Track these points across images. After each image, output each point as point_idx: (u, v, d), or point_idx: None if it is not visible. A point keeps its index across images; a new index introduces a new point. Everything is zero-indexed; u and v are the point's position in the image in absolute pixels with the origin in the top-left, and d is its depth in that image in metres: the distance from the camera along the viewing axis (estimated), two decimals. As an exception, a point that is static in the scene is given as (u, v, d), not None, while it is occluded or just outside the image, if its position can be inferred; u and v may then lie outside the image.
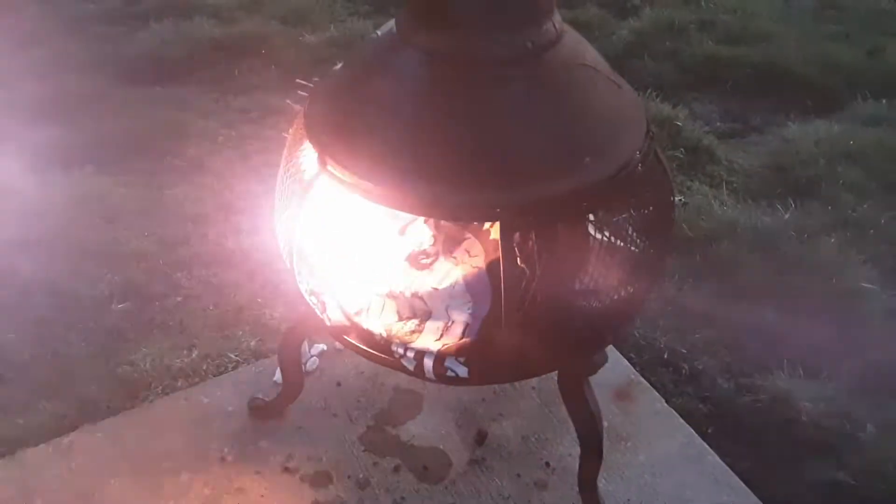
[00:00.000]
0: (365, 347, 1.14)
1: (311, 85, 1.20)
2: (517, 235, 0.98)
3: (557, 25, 1.03)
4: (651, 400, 1.51)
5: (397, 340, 1.11)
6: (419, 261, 1.13)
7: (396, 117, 1.01)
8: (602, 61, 1.09)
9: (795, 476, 1.38)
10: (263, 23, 3.01)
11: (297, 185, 1.12)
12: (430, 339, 1.09)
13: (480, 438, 1.45)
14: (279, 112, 2.44)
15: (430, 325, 1.11)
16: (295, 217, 1.12)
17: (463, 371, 1.07)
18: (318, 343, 1.65)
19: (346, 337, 1.16)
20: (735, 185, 2.20)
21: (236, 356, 1.68)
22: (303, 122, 1.11)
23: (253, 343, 1.71)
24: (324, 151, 1.04)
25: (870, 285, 1.81)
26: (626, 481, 1.37)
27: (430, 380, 1.10)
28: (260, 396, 1.51)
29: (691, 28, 2.93)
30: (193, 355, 1.68)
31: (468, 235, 1.11)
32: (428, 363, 1.07)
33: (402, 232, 1.16)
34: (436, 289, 1.12)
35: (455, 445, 1.44)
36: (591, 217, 1.06)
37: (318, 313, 1.17)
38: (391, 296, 1.14)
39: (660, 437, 1.44)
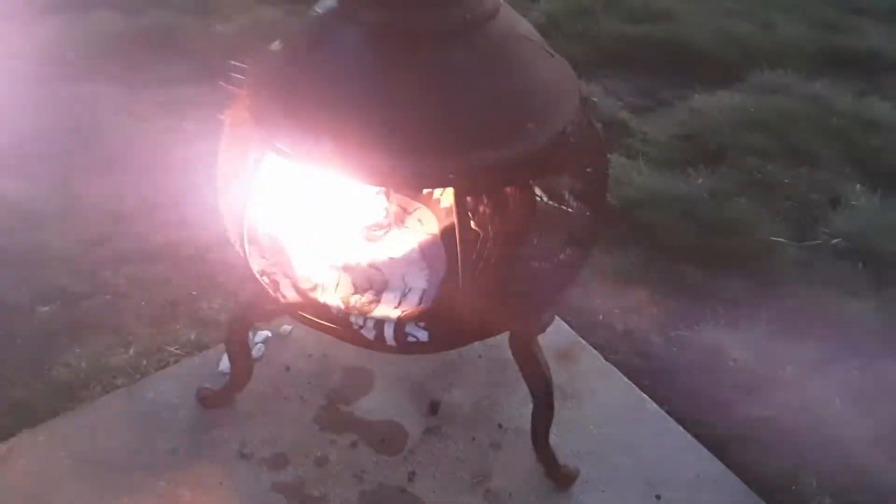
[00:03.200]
0: (323, 322, 1.15)
1: (246, 66, 1.20)
2: (469, 200, 1.02)
3: (495, 2, 1.06)
4: (591, 358, 1.59)
5: (356, 312, 1.13)
6: (373, 232, 1.15)
7: (343, 92, 1.03)
8: (536, 33, 1.14)
9: (728, 416, 1.48)
10: (171, 14, 2.92)
11: (242, 166, 1.11)
12: (389, 307, 1.12)
13: (433, 408, 1.48)
14: (194, 104, 2.38)
15: (387, 294, 1.13)
16: (243, 197, 1.11)
17: (424, 335, 1.10)
18: (262, 331, 1.64)
19: (302, 314, 1.17)
20: (650, 155, 2.31)
21: (177, 349, 1.64)
22: (245, 102, 1.11)
23: (192, 336, 1.68)
24: (270, 129, 1.05)
25: (780, 239, 1.94)
26: (574, 434, 1.43)
27: (390, 348, 1.12)
28: (207, 386, 1.50)
29: (598, 10, 3.04)
30: (131, 352, 1.64)
31: (419, 205, 1.13)
32: (388, 331, 1.09)
33: (355, 204, 1.17)
34: (391, 258, 1.14)
35: (409, 417, 1.47)
36: (535, 180, 1.10)
37: (271, 293, 1.17)
38: (347, 268, 1.15)
39: (602, 392, 1.52)
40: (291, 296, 1.17)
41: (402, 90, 1.01)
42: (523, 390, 1.32)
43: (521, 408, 1.44)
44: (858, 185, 2.13)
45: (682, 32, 2.88)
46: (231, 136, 1.17)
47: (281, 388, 1.53)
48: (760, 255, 1.92)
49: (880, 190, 2.11)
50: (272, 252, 1.20)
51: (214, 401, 1.48)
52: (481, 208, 1.07)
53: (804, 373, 1.58)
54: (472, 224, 1.03)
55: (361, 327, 1.13)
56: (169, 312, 1.74)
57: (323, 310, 1.17)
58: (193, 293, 1.79)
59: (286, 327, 1.64)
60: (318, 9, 1.10)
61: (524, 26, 1.13)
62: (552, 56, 1.14)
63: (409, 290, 1.14)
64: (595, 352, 1.60)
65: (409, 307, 1.13)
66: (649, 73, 2.74)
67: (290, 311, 1.19)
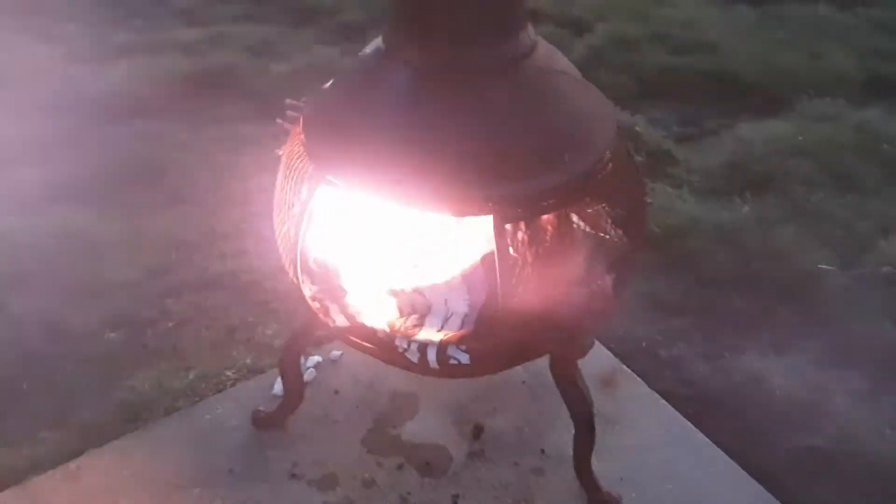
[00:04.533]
0: (369, 345, 1.21)
1: (301, 104, 1.28)
2: (509, 227, 1.07)
3: (532, 37, 1.12)
4: (634, 385, 1.60)
5: (400, 335, 1.18)
6: (418, 258, 1.20)
7: (389, 127, 1.10)
8: (573, 67, 1.19)
9: (773, 446, 1.47)
10: (232, 55, 3.08)
11: (297, 198, 1.19)
12: (432, 331, 1.17)
13: (477, 432, 1.52)
14: (252, 140, 2.50)
15: (430, 318, 1.18)
16: (296, 227, 1.19)
17: (465, 358, 1.14)
18: (314, 356, 1.71)
19: (350, 337, 1.23)
20: (695, 184, 2.32)
21: (233, 374, 1.72)
22: (299, 137, 1.19)
23: (248, 360, 1.76)
24: (323, 162, 1.12)
25: (827, 266, 1.93)
26: (617, 461, 1.44)
27: (433, 371, 1.17)
28: (261, 409, 1.56)
29: (643, 41, 3.09)
30: (191, 376, 1.73)
31: (462, 231, 1.19)
32: (431, 354, 1.14)
33: (401, 231, 1.23)
34: (434, 283, 1.19)
35: (454, 440, 1.51)
36: (574, 208, 1.15)
37: (322, 318, 1.24)
38: (392, 293, 1.21)
39: (645, 419, 1.53)
40: (340, 321, 1.23)
41: (444, 125, 1.07)
42: (566, 417, 1.35)
43: (563, 434, 1.46)
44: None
45: (727, 62, 2.90)
46: (286, 170, 1.25)
47: (330, 412, 1.59)
48: (806, 283, 1.90)
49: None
50: (323, 279, 1.26)
51: (268, 423, 1.54)
52: (520, 235, 1.12)
53: (852, 402, 1.56)
54: (511, 250, 1.07)
55: (406, 350, 1.18)
56: (227, 338, 1.83)
57: (369, 334, 1.22)
58: (250, 320, 1.88)
59: (336, 352, 1.70)
60: (367, 49, 1.17)
61: (562, 61, 1.19)
62: (589, 90, 1.19)
63: (452, 314, 1.19)
64: (638, 379, 1.62)
65: (451, 331, 1.18)
66: (694, 103, 2.76)
67: (340, 335, 1.25)
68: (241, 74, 2.95)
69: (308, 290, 1.23)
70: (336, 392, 1.63)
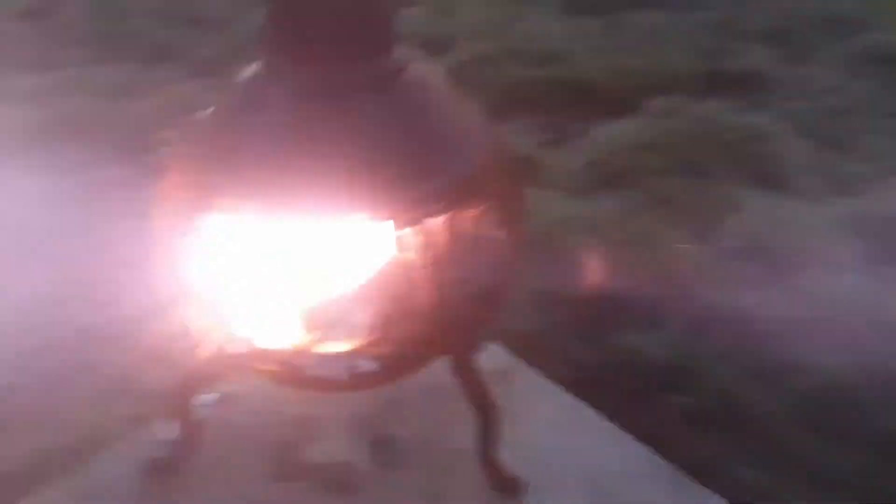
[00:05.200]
0: (272, 369, 1.22)
1: (174, 137, 1.27)
2: (405, 232, 1.11)
3: (405, 53, 1.18)
4: (528, 376, 1.68)
5: (305, 354, 1.20)
6: (315, 273, 1.23)
7: (274, 148, 1.11)
8: (446, 80, 1.26)
9: (657, 411, 1.59)
10: (83, 100, 2.96)
11: (178, 232, 1.18)
12: (338, 344, 1.20)
13: (382, 443, 1.54)
14: (117, 183, 2.42)
15: (335, 331, 1.21)
16: (181, 262, 1.18)
17: (374, 366, 1.18)
18: (207, 394, 1.66)
19: (250, 364, 1.23)
20: (559, 185, 2.46)
21: (119, 427, 1.63)
22: (178, 170, 1.18)
23: (135, 410, 1.68)
24: (208, 190, 1.13)
25: (685, 245, 2.10)
26: (518, 447, 1.49)
27: (341, 385, 1.19)
28: (154, 458, 1.49)
29: (501, 57, 3.24)
30: (72, 437, 1.63)
31: (355, 242, 1.22)
32: (339, 367, 1.17)
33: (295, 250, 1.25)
34: (334, 296, 1.22)
35: (360, 455, 1.52)
36: (463, 209, 1.21)
37: (215, 351, 1.23)
38: (293, 312, 1.22)
39: (540, 405, 1.61)
40: (243, 348, 1.23)
41: (329, 141, 1.10)
42: (466, 417, 1.39)
43: (465, 434, 1.50)
44: (750, 190, 2.33)
45: (578, 71, 3.10)
46: (164, 206, 1.23)
47: (230, 449, 1.55)
48: (668, 263, 2.06)
49: (770, 191, 2.31)
50: (214, 310, 1.25)
51: (164, 472, 1.48)
52: (415, 239, 1.17)
53: (721, 362, 1.71)
54: (407, 255, 1.12)
55: (312, 367, 1.20)
56: (108, 391, 1.75)
57: (269, 357, 1.23)
58: (132, 368, 1.80)
59: (229, 388, 1.67)
60: (244, 74, 1.19)
61: (437, 75, 1.25)
62: (463, 100, 1.27)
63: (356, 325, 1.22)
64: (531, 370, 1.69)
65: (357, 341, 1.21)
66: (553, 111, 2.92)
67: (237, 364, 1.24)
68: (98, 118, 2.84)
69: (199, 326, 1.22)
70: (235, 428, 1.60)
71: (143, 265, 1.31)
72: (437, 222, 1.20)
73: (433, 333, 1.23)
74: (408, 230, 1.15)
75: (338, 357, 1.21)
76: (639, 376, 1.67)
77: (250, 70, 1.18)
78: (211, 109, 1.22)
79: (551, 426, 1.56)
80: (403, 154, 1.13)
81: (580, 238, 2.18)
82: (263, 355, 1.24)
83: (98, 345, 1.86)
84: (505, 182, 1.29)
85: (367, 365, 1.21)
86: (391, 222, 1.10)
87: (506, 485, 1.42)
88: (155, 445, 1.53)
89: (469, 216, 1.27)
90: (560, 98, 2.99)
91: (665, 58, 3.21)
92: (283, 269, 1.25)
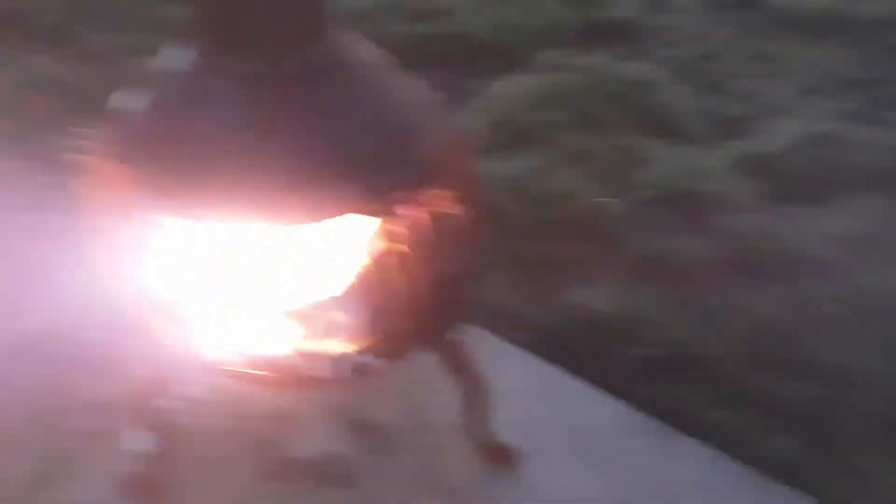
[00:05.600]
0: (262, 373, 1.16)
1: (95, 132, 1.14)
2: (381, 222, 1.09)
3: (348, 35, 1.13)
4: (494, 343, 1.71)
5: (297, 355, 1.15)
6: (294, 275, 1.17)
7: (225, 144, 1.04)
8: (389, 60, 1.21)
9: (615, 362, 1.68)
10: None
11: (120, 237, 1.09)
12: (329, 343, 1.15)
13: (370, 430, 1.52)
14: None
15: (324, 330, 1.16)
16: (134, 269, 1.09)
17: (369, 359, 1.15)
18: (177, 400, 1.55)
19: (239, 370, 1.16)
20: (473, 145, 2.47)
21: (82, 447, 1.50)
22: (111, 171, 1.07)
23: (94, 426, 1.54)
24: (157, 191, 1.04)
25: (605, 199, 2.20)
26: (498, 415, 1.53)
27: (339, 381, 1.16)
28: (128, 473, 1.39)
29: (378, 12, 3.16)
30: (27, 466, 1.47)
31: (333, 240, 1.17)
32: (334, 364, 1.13)
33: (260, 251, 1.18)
34: (318, 296, 1.17)
35: (349, 444, 1.50)
36: (430, 193, 1.19)
37: (182, 359, 1.16)
38: (278, 315, 1.17)
39: (509, 369, 1.64)
40: (223, 356, 1.16)
41: (280, 132, 1.05)
42: (446, 393, 1.41)
43: (449, 409, 1.51)
44: (650, 140, 2.46)
45: (463, 25, 3.09)
46: (94, 204, 1.12)
47: (213, 453, 1.47)
48: (590, 216, 2.15)
49: (668, 140, 2.45)
50: (175, 317, 1.17)
51: (141, 489, 1.39)
52: (386, 229, 1.14)
53: (670, 310, 1.82)
54: (383, 246, 1.10)
55: (306, 369, 1.15)
56: (60, 412, 1.58)
57: (261, 362, 1.17)
58: (84, 385, 1.63)
59: (194, 390, 1.57)
60: (170, 63, 1.09)
61: (377, 55, 1.21)
62: (411, 79, 1.23)
63: (345, 322, 1.18)
64: (493, 336, 1.72)
65: (348, 337, 1.17)
66: (446, 68, 2.89)
67: (226, 371, 1.17)
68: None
69: (159, 332, 1.13)
70: (216, 433, 1.51)
71: (71, 277, 1.19)
72: (404, 208, 1.18)
73: (417, 320, 1.22)
74: (378, 221, 1.13)
75: (330, 356, 1.17)
76: (594, 332, 1.75)
77: (176, 57, 1.09)
78: (132, 97, 1.11)
79: (527, 391, 1.61)
80: (360, 143, 1.09)
81: (501, 199, 2.21)
82: (250, 360, 1.18)
83: (44, 362, 1.67)
84: (457, 158, 1.29)
85: (362, 359, 1.18)
86: (359, 216, 1.07)
87: (499, 455, 1.45)
88: (126, 460, 1.42)
89: (432, 197, 1.26)
90: (448, 55, 2.97)
91: (542, 10, 3.28)
92: (243, 272, 1.19)
